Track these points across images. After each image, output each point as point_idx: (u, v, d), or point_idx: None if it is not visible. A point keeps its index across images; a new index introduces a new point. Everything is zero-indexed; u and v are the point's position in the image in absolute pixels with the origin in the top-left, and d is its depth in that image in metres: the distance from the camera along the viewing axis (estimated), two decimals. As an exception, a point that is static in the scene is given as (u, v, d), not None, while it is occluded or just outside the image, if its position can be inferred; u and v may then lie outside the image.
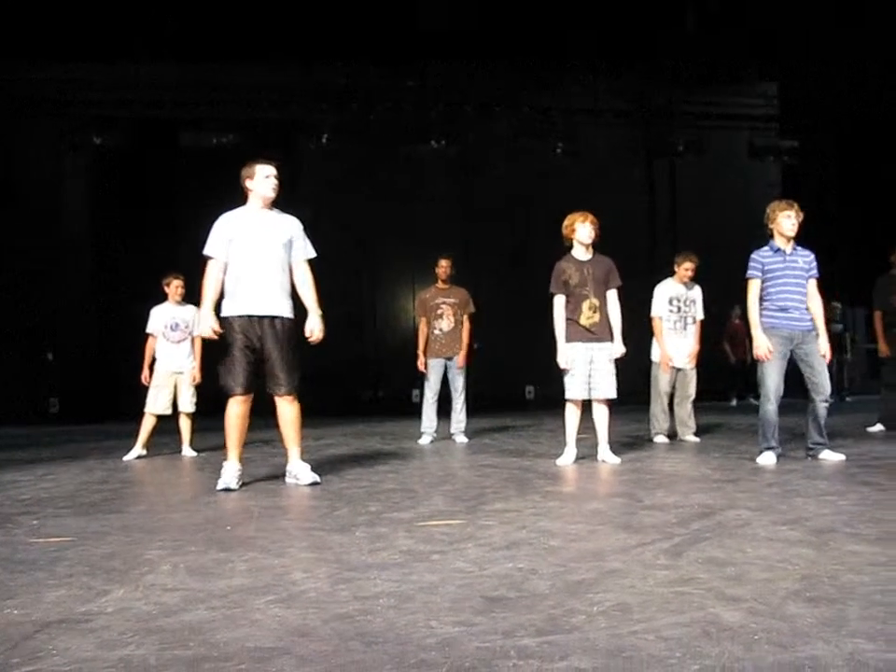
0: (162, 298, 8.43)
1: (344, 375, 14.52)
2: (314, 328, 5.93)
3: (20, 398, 14.06)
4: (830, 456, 6.68)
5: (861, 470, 6.03)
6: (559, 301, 6.93)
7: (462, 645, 2.41)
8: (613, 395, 6.88)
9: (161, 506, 5.18)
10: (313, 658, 2.34)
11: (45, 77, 13.89)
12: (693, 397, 8.71)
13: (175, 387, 8.29)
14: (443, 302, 9.01)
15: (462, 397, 9.06)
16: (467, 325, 9.08)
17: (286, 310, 5.88)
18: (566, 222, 6.96)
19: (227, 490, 5.59)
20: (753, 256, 6.81)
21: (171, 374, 8.28)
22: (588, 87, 15.97)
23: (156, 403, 8.20)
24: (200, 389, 8.34)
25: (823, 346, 6.60)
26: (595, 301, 6.85)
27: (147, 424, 8.14)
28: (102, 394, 14.04)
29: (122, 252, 14.36)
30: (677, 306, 8.57)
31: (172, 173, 14.22)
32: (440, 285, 9.12)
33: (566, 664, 2.25)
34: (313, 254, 6.10)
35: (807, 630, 2.47)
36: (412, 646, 2.41)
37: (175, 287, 8.36)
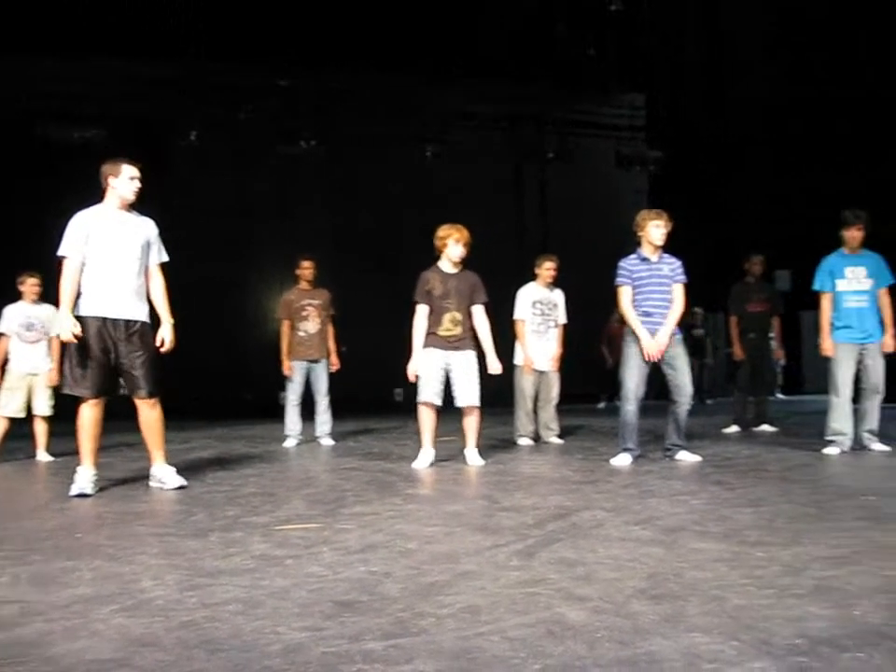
0: (17, 296, 8.11)
1: (211, 378, 14.26)
2: (165, 336, 5.81)
3: None
4: (686, 457, 6.87)
5: (715, 470, 6.23)
6: (421, 311, 6.94)
7: (308, 651, 2.39)
8: (476, 402, 6.94)
9: (9, 513, 5.00)
10: (153, 668, 2.29)
11: None
12: (556, 400, 8.85)
13: (30, 390, 8.00)
14: (308, 304, 8.94)
15: (326, 399, 9.00)
16: (331, 327, 9.04)
17: (142, 313, 5.74)
18: (440, 234, 6.97)
19: (81, 496, 5.42)
20: (621, 264, 6.96)
21: (25, 376, 7.98)
22: (459, 90, 16.08)
23: (8, 406, 7.89)
24: (57, 392, 8.05)
25: (663, 338, 6.75)
26: (458, 315, 6.90)
27: (-1, 427, 7.84)
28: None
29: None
30: (540, 309, 8.68)
31: (31, 168, 13.69)
32: (303, 286, 9.05)
33: (410, 667, 2.25)
34: (166, 258, 5.97)
35: (648, 627, 2.54)
36: (256, 653, 2.38)
37: (29, 285, 8.05)
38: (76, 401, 5.67)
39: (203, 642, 2.47)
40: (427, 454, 6.92)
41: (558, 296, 8.84)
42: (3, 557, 3.64)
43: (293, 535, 4.02)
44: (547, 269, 8.71)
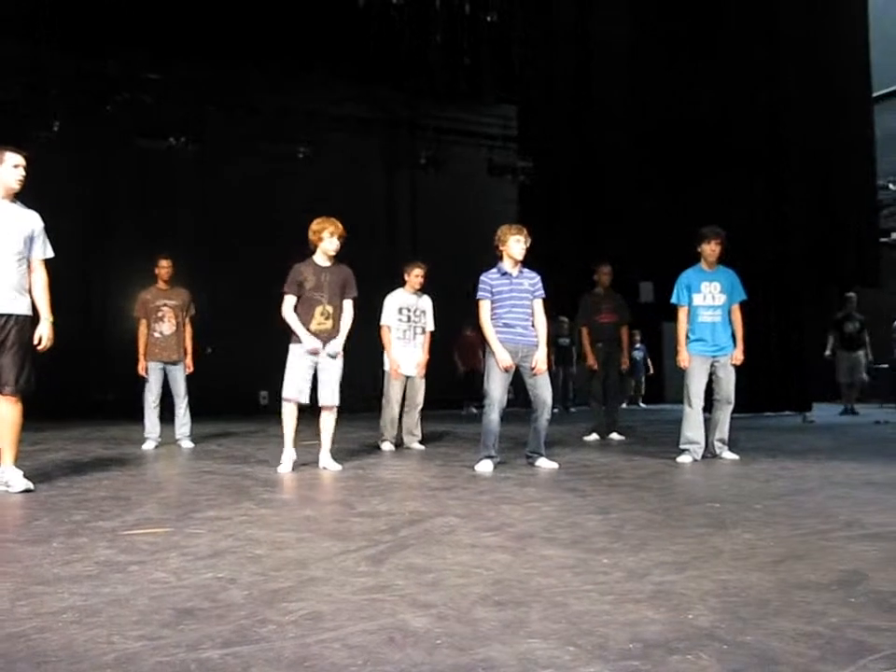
0: None
1: (72, 376, 13.80)
2: (43, 334, 5.61)
3: None
4: (545, 464, 6.99)
5: (570, 477, 6.35)
6: (288, 301, 6.87)
7: (142, 660, 2.33)
8: (336, 402, 6.92)
9: None
10: (-28, 682, 2.20)
11: None
12: (420, 406, 8.88)
13: None
14: (164, 304, 8.77)
15: (185, 401, 8.85)
16: (189, 328, 8.88)
17: (22, 307, 5.53)
18: (315, 227, 6.91)
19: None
20: (482, 278, 7.05)
21: None
22: (334, 92, 16.03)
23: None
24: None
25: (541, 359, 6.91)
26: (329, 309, 6.86)
27: None
28: None
29: None
30: (406, 315, 8.71)
31: None
32: (160, 285, 8.87)
33: (246, 676, 2.22)
34: (51, 254, 5.77)
35: (488, 633, 2.56)
36: (87, 664, 2.30)
37: None
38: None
39: (31, 654, 2.38)
40: (289, 453, 6.84)
41: (426, 302, 8.88)
42: None
43: (141, 540, 3.93)
44: (416, 276, 8.74)
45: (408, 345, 8.71)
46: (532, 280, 7.08)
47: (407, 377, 8.73)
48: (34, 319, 5.62)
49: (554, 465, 6.99)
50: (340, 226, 6.93)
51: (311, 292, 6.84)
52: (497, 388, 6.89)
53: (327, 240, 6.88)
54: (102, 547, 3.77)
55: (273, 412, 13.76)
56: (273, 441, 9.15)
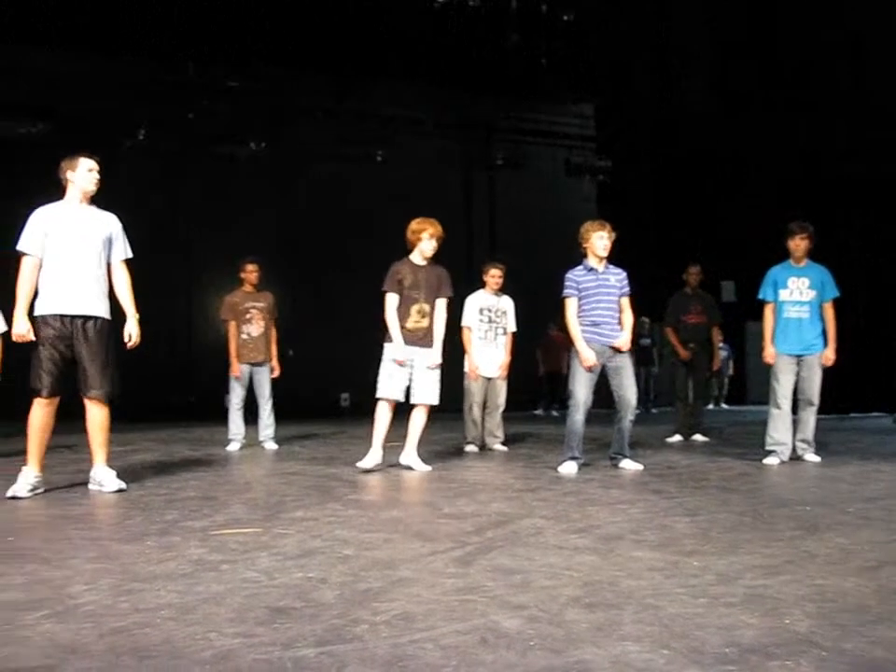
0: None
1: (156, 379, 14.10)
2: (131, 332, 5.75)
3: None
4: (629, 466, 6.93)
5: (655, 479, 6.28)
6: (391, 299, 6.90)
7: (239, 657, 2.37)
8: (435, 401, 6.94)
9: (-60, 515, 4.89)
10: (79, 675, 2.25)
11: None
12: (502, 407, 8.87)
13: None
14: (252, 307, 8.89)
15: (269, 403, 8.96)
16: (274, 331, 9.00)
17: (102, 310, 5.66)
18: (414, 227, 6.94)
19: (14, 498, 5.33)
20: (568, 275, 7.01)
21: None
22: (411, 96, 16.11)
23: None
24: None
25: (625, 340, 6.88)
26: (426, 307, 6.89)
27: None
28: None
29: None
30: (487, 316, 8.70)
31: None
32: (247, 289, 8.99)
33: (341, 674, 2.24)
34: (130, 254, 5.90)
35: (581, 635, 2.55)
36: (186, 660, 2.35)
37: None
38: (22, 402, 5.58)
39: (133, 649, 2.44)
40: (376, 453, 6.84)
41: (507, 303, 8.86)
42: (-69, 560, 3.57)
43: (230, 540, 3.99)
44: (492, 276, 8.73)
45: (489, 346, 8.69)
46: (619, 276, 7.02)
47: (488, 378, 8.72)
48: (114, 321, 5.74)
49: (639, 466, 6.93)
50: (439, 228, 6.98)
51: (408, 290, 6.88)
52: (581, 389, 6.84)
53: (425, 241, 6.91)
54: (194, 546, 3.84)
55: (355, 413, 13.96)
56: (356, 442, 9.24)
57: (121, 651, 2.42)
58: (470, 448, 8.67)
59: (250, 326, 8.87)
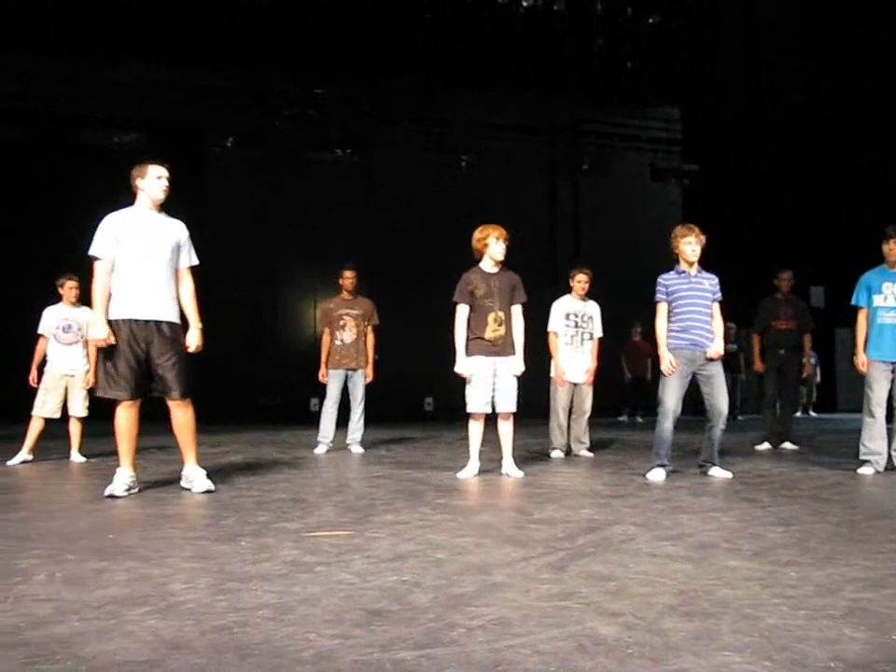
0: (57, 298, 8.23)
1: (243, 382, 14.35)
2: (192, 341, 5.86)
3: None
4: (718, 473, 6.83)
5: (745, 487, 6.18)
6: (462, 311, 6.89)
7: (338, 658, 2.39)
8: (512, 408, 6.92)
9: (43, 513, 5.03)
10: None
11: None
12: (588, 413, 8.82)
13: (66, 391, 8.09)
14: (347, 314, 8.99)
15: (361, 407, 9.04)
16: (371, 337, 9.08)
17: (172, 314, 5.78)
18: (478, 235, 6.92)
19: (112, 497, 5.47)
20: (659, 280, 6.95)
21: (61, 377, 8.08)
22: (495, 101, 16.13)
23: (44, 406, 7.99)
24: (92, 393, 8.12)
25: (718, 348, 6.79)
26: (501, 314, 6.85)
27: (35, 427, 7.93)
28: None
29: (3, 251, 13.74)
30: (574, 322, 8.66)
31: (69, 172, 13.81)
32: (344, 296, 9.09)
33: (441, 677, 2.26)
34: (196, 261, 6.00)
35: (679, 644, 2.52)
36: (287, 659, 2.39)
37: (68, 287, 8.17)
38: (111, 404, 5.72)
39: (235, 647, 2.48)
40: (474, 464, 6.90)
41: (593, 308, 8.81)
42: (37, 556, 3.68)
43: (323, 542, 4.03)
44: (578, 281, 8.68)
45: (575, 351, 8.65)
46: (711, 280, 6.93)
47: (574, 384, 8.68)
48: (183, 327, 5.86)
49: (728, 474, 6.82)
50: (502, 229, 6.92)
51: (482, 300, 6.84)
52: (671, 397, 6.75)
53: (493, 245, 6.87)
54: (288, 547, 3.89)
55: (438, 418, 14.01)
56: (441, 447, 9.28)
57: (223, 649, 2.47)
58: (556, 454, 8.63)
59: (343, 332, 8.97)
